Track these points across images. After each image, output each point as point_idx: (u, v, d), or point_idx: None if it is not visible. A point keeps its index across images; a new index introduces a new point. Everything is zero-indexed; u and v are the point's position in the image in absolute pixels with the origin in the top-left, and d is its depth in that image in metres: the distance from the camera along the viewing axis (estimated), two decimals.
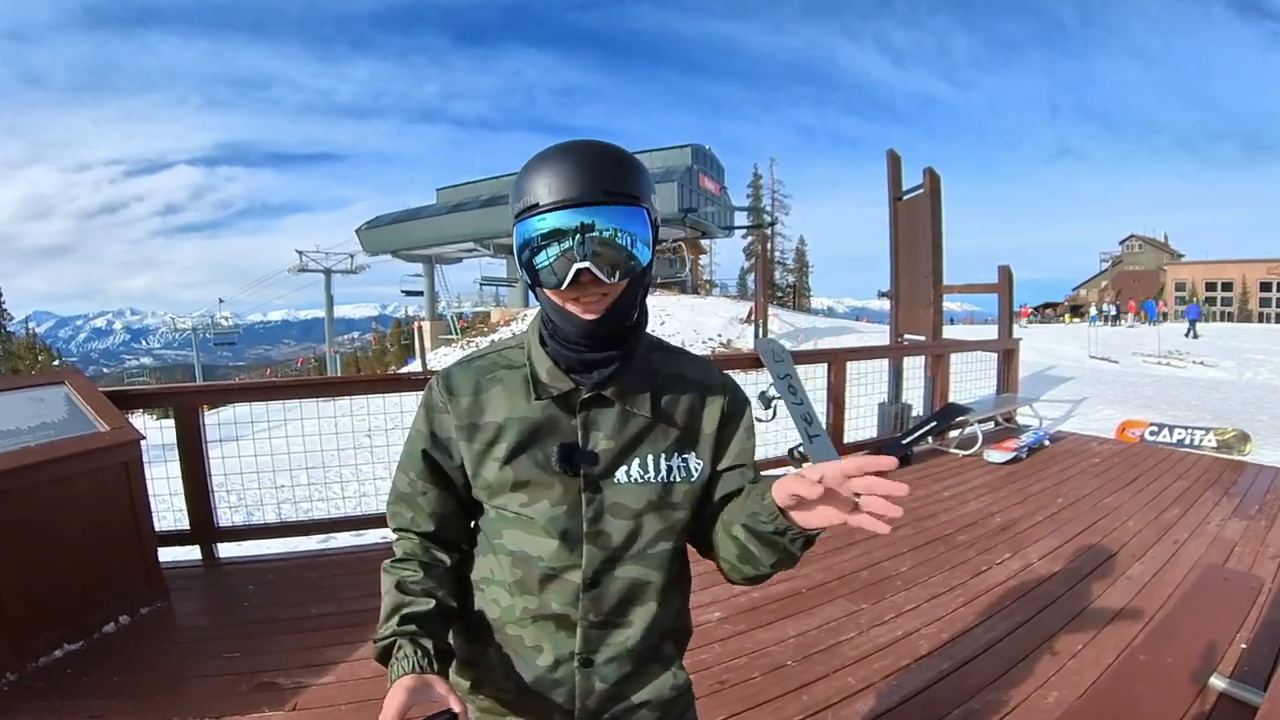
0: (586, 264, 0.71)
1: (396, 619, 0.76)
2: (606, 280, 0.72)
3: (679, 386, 0.85)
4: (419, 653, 0.72)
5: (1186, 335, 18.02)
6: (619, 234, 0.72)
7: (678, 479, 0.83)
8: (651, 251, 0.75)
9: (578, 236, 0.70)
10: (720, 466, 0.87)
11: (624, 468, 0.81)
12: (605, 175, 0.71)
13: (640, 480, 0.82)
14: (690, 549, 0.90)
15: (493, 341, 0.97)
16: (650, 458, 0.82)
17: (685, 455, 0.84)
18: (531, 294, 0.79)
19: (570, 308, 0.76)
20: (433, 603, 0.79)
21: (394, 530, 0.88)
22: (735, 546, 0.79)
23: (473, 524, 0.89)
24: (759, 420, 3.69)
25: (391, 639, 0.74)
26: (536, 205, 0.71)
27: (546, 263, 0.73)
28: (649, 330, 0.86)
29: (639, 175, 0.74)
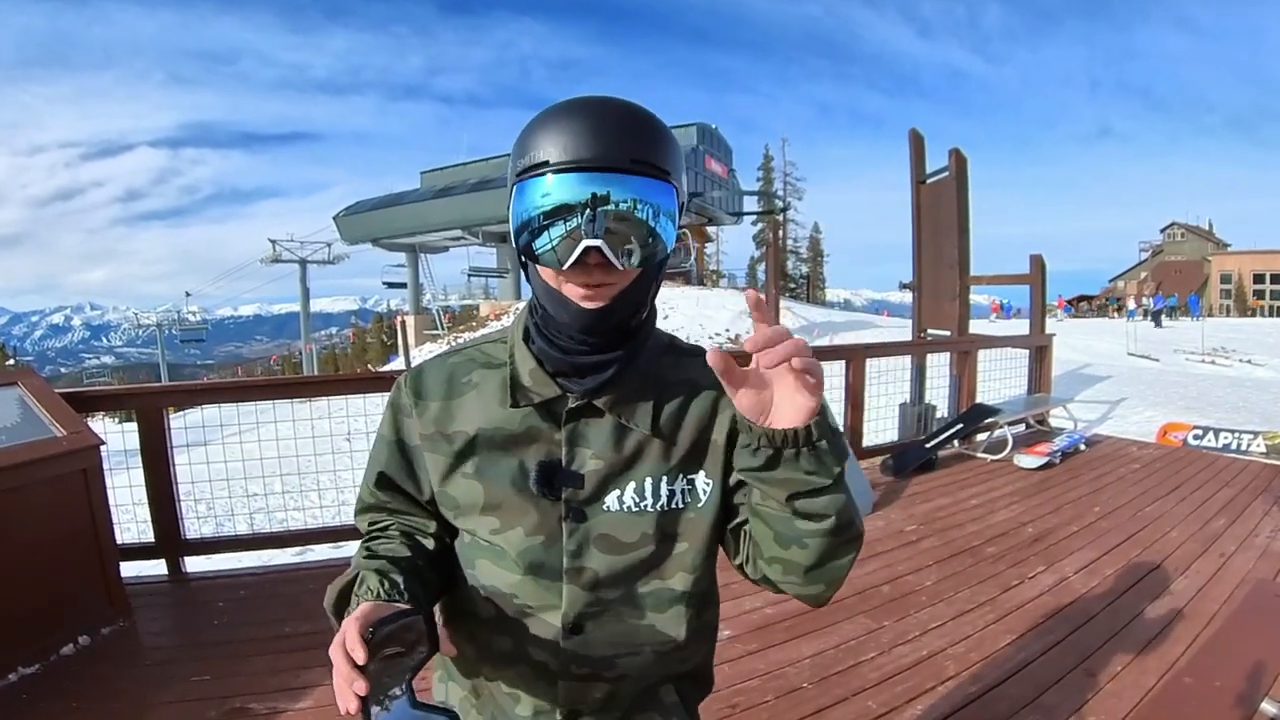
0: (598, 241, 0.63)
1: (362, 557, 0.72)
2: (619, 265, 0.65)
3: (689, 395, 0.77)
4: (387, 585, 0.66)
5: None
6: (641, 207, 0.64)
7: (680, 505, 0.75)
8: (675, 236, 0.68)
9: (590, 207, 0.62)
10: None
11: (615, 493, 0.74)
12: (635, 139, 0.64)
13: (635, 508, 0.74)
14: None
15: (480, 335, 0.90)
16: (649, 481, 0.74)
17: (692, 475, 0.76)
18: (524, 276, 0.73)
19: (568, 292, 0.68)
20: (409, 556, 0.74)
21: (366, 530, 0.83)
22: (760, 525, 0.70)
23: (446, 542, 0.84)
24: None
25: (354, 575, 0.68)
26: (545, 164, 0.63)
27: (547, 237, 0.64)
28: (660, 327, 0.80)
29: (673, 146, 0.67)
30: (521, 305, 0.82)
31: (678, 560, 0.76)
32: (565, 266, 0.65)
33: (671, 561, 0.76)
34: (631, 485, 0.74)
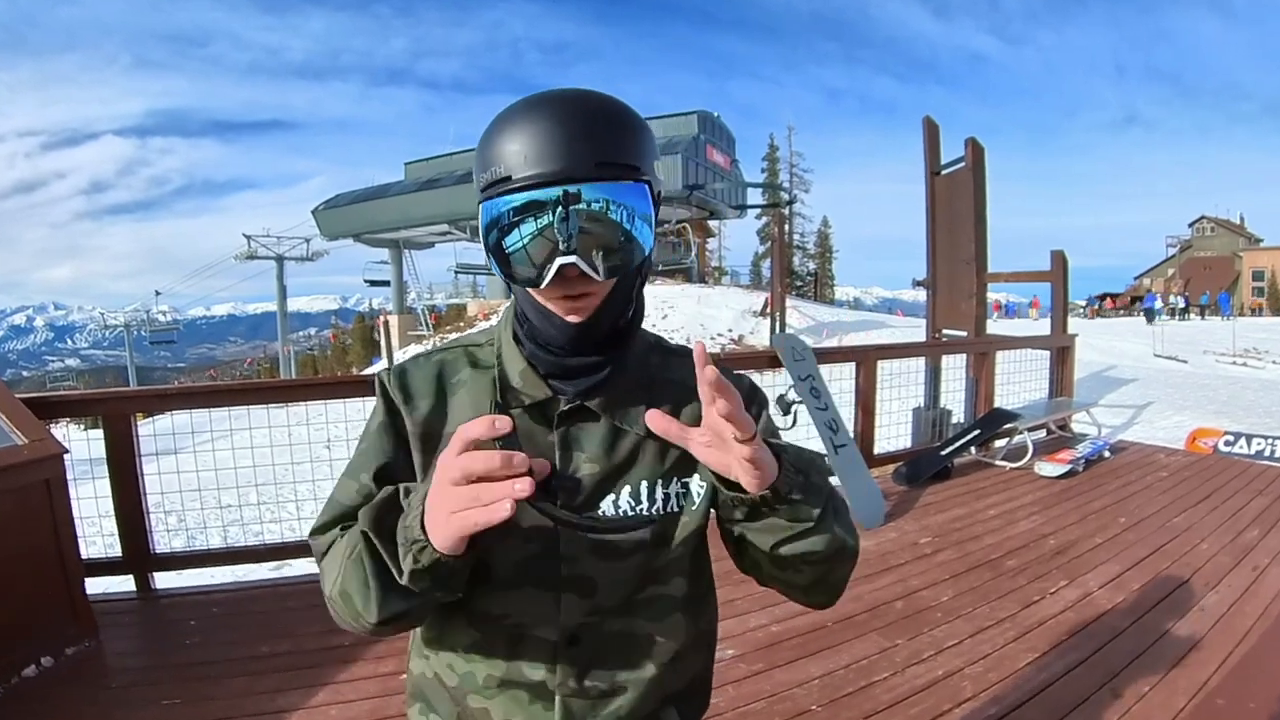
0: (572, 259, 0.64)
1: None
2: (597, 278, 0.66)
3: (680, 396, 0.79)
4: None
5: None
6: (614, 209, 0.65)
7: (676, 509, 0.77)
8: (653, 234, 0.69)
9: (560, 217, 0.63)
10: None
11: (611, 497, 0.75)
12: (598, 140, 0.64)
13: (631, 513, 0.76)
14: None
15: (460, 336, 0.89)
16: (644, 484, 0.76)
17: (686, 479, 0.78)
18: (508, 286, 0.74)
19: (552, 307, 0.71)
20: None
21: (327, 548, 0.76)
22: (755, 551, 0.73)
23: None
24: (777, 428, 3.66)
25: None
26: (508, 179, 0.64)
27: (519, 252, 0.66)
28: (646, 327, 0.82)
29: (640, 138, 0.68)
30: (509, 304, 0.82)
31: (675, 565, 0.79)
32: (542, 285, 0.67)
33: (669, 567, 0.78)
34: (627, 489, 0.76)
